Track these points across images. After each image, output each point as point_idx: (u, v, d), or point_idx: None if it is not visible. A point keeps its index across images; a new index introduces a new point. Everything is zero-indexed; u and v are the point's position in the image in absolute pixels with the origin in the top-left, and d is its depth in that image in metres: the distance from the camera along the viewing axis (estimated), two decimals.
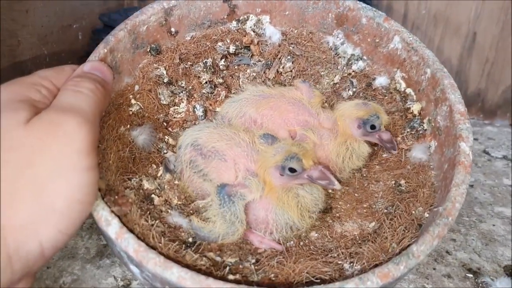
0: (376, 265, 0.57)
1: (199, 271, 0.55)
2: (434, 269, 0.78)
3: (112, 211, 0.55)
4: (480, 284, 0.76)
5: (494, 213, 0.92)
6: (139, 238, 0.55)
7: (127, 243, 0.52)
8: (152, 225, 0.59)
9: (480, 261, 0.81)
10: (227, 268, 0.58)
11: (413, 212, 0.63)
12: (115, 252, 0.60)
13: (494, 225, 0.89)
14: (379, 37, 0.76)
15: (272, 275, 0.58)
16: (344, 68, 0.79)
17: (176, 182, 0.71)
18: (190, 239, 0.63)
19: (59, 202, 0.48)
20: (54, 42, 0.91)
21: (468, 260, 0.81)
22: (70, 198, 0.49)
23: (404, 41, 0.73)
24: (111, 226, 0.53)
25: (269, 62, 0.81)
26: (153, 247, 0.55)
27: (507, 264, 0.81)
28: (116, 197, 0.59)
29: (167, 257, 0.55)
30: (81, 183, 0.50)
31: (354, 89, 0.79)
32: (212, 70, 0.79)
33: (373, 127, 0.70)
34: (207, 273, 0.55)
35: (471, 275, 0.78)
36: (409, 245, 0.57)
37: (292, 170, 0.62)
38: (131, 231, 0.56)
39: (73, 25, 0.94)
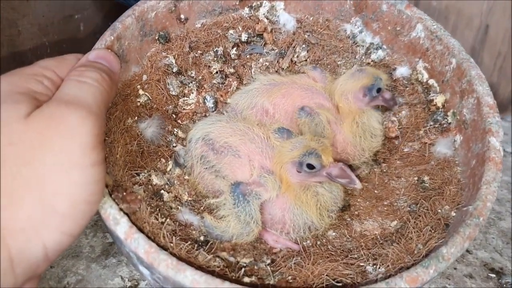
0: (401, 268, 0.53)
1: (212, 272, 0.52)
2: (455, 269, 0.75)
3: (121, 209, 0.52)
4: (504, 285, 0.73)
5: None
6: (149, 237, 0.51)
7: (137, 244, 0.49)
8: (162, 223, 0.56)
9: (502, 260, 0.77)
10: (242, 269, 0.54)
11: (439, 211, 0.59)
12: (123, 251, 0.56)
13: None
14: (401, 25, 0.72)
15: (290, 277, 0.55)
16: (363, 57, 0.76)
17: (186, 177, 0.67)
18: (202, 238, 0.60)
19: (62, 203, 0.44)
20: (55, 32, 0.87)
21: (490, 260, 0.77)
22: (74, 198, 0.45)
23: (428, 30, 0.69)
24: (120, 226, 0.50)
25: (283, 51, 0.77)
26: (164, 247, 0.52)
27: None
28: (125, 193, 0.55)
29: (179, 258, 0.51)
30: (86, 181, 0.46)
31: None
32: (223, 59, 0.75)
33: (379, 90, 0.67)
34: (221, 275, 0.52)
35: (493, 275, 0.75)
36: (436, 247, 0.53)
37: (310, 166, 0.58)
38: (141, 230, 0.52)
39: (74, 15, 0.90)
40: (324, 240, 0.63)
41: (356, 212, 0.66)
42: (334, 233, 0.64)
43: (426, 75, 0.71)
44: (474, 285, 0.72)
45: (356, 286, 0.51)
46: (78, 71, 0.53)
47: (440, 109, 0.69)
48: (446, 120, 0.68)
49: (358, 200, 0.68)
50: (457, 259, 0.74)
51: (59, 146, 0.45)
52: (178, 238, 0.55)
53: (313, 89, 0.69)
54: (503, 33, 1.03)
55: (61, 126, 0.45)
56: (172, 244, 0.53)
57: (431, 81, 0.71)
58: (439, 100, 0.69)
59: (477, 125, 0.62)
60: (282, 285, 0.54)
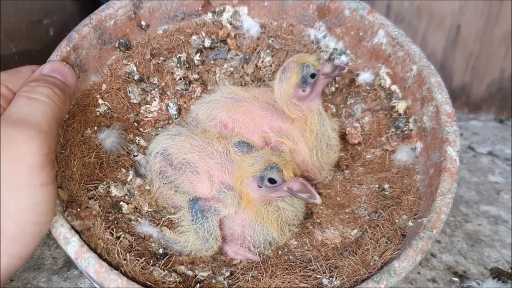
0: (356, 281, 0.53)
1: None
2: (419, 273, 0.75)
3: (73, 227, 0.51)
4: None
5: (480, 212, 0.89)
6: (101, 255, 0.51)
7: (88, 263, 0.48)
8: (118, 237, 0.56)
9: (466, 263, 0.78)
10: (197, 286, 0.54)
11: (397, 220, 0.60)
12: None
13: (480, 224, 0.86)
14: (363, 30, 0.71)
15: None
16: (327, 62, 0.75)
17: (147, 187, 0.66)
18: (161, 250, 0.60)
19: (9, 226, 0.44)
20: (22, 38, 0.85)
21: (454, 263, 0.78)
22: (22, 220, 0.45)
23: (389, 35, 0.69)
24: (70, 245, 0.50)
25: (247, 57, 0.76)
26: (118, 265, 0.51)
27: (494, 266, 0.78)
28: (79, 209, 0.55)
29: (132, 275, 0.51)
30: (34, 202, 0.46)
31: (337, 85, 0.74)
32: (187, 65, 0.74)
33: (313, 75, 0.64)
34: None
35: (456, 279, 0.75)
36: (391, 259, 0.54)
37: (272, 181, 0.58)
38: (94, 247, 0.52)
39: (43, 20, 0.88)
40: (285, 250, 0.63)
41: (318, 220, 0.66)
42: (296, 242, 0.64)
43: (389, 81, 0.71)
44: None
45: None
46: (29, 87, 0.52)
47: (402, 116, 0.69)
48: (407, 127, 0.68)
49: (321, 207, 0.68)
50: (421, 263, 0.76)
51: (5, 168, 0.44)
52: (133, 254, 0.55)
53: (273, 109, 0.68)
54: (474, 33, 1.03)
55: (8, 147, 0.45)
56: (126, 261, 0.52)
57: (394, 87, 0.70)
58: (400, 106, 0.69)
59: (436, 133, 0.62)
60: None
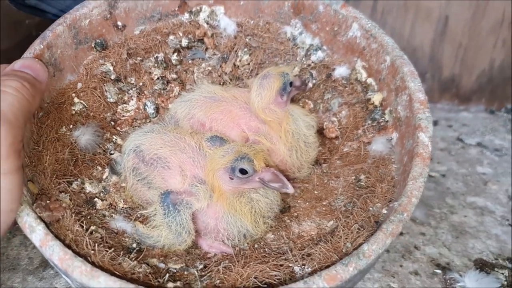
0: (327, 267, 0.52)
1: (136, 280, 0.51)
2: (401, 266, 0.74)
3: (40, 217, 0.51)
4: (448, 281, 0.72)
5: (466, 203, 0.88)
6: (70, 246, 0.51)
7: (52, 251, 0.48)
8: (88, 230, 0.55)
9: (450, 255, 0.77)
10: (167, 275, 0.53)
11: (370, 208, 0.59)
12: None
13: (465, 216, 0.85)
14: (338, 25, 0.72)
15: (218, 281, 0.54)
16: (303, 59, 0.75)
17: (123, 184, 0.66)
18: (135, 245, 0.59)
19: None
20: (4, 38, 0.86)
21: (437, 255, 0.77)
22: None
23: (363, 28, 0.69)
24: (35, 233, 0.49)
25: (225, 55, 0.77)
26: (85, 255, 0.51)
27: (478, 257, 0.77)
28: (48, 201, 0.55)
29: (100, 265, 0.51)
30: None
31: (314, 81, 0.75)
32: (164, 65, 0.75)
33: (291, 83, 0.66)
34: (144, 282, 0.51)
35: (439, 271, 0.74)
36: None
37: (243, 171, 0.57)
38: (63, 238, 0.52)
39: (25, 20, 0.89)
40: (262, 243, 0.62)
41: (296, 214, 0.66)
42: (272, 236, 0.63)
43: (364, 74, 0.71)
44: (419, 282, 0.71)
45: (278, 286, 0.50)
46: None
47: (378, 108, 0.69)
48: (383, 118, 0.68)
49: (298, 201, 0.68)
50: (403, 255, 0.75)
51: None
52: (104, 246, 0.54)
53: (251, 109, 0.68)
54: (463, 24, 1.03)
55: None
56: (94, 251, 0.52)
57: (370, 80, 0.70)
58: (376, 98, 0.69)
59: (409, 121, 0.62)
60: None
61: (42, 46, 0.62)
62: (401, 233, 0.81)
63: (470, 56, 1.06)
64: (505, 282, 0.73)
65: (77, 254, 0.49)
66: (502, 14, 1.01)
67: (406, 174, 0.57)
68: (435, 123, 1.11)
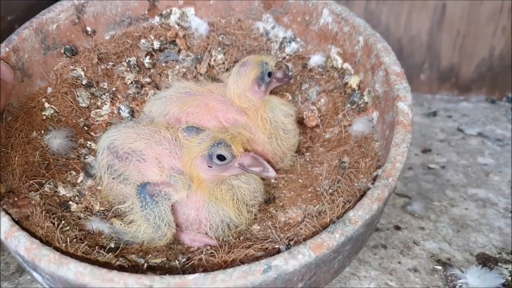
0: None
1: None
2: (399, 262, 0.70)
3: (5, 210, 0.48)
4: (449, 277, 0.68)
5: (467, 195, 0.84)
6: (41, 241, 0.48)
7: (18, 242, 0.45)
8: (58, 225, 0.52)
9: (451, 250, 0.73)
10: (145, 265, 0.50)
11: (356, 184, 0.57)
12: (19, 262, 0.52)
13: (467, 208, 0.81)
14: (309, 14, 0.71)
15: (201, 269, 0.51)
16: (278, 52, 0.75)
17: (99, 187, 0.63)
18: (112, 245, 0.56)
19: None
20: None
21: (437, 251, 0.73)
22: None
23: (334, 13, 0.69)
24: (0, 226, 0.46)
25: (199, 56, 0.76)
26: (56, 250, 0.48)
27: (480, 252, 0.73)
28: (16, 199, 0.52)
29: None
30: None
31: (291, 73, 0.73)
32: (137, 69, 0.73)
33: (270, 74, 0.65)
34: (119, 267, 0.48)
35: (439, 267, 0.70)
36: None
37: (221, 157, 0.55)
38: (33, 235, 0.49)
39: (7, 17, 0.86)
40: (248, 235, 0.59)
41: (281, 204, 0.63)
42: (258, 227, 0.60)
43: (340, 60, 0.70)
44: (418, 279, 0.67)
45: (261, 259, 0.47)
46: None
47: (355, 91, 0.68)
48: (362, 100, 0.67)
49: (283, 191, 0.65)
50: (402, 251, 0.71)
51: None
52: (76, 241, 0.51)
53: (228, 102, 0.67)
54: (460, 11, 1.01)
55: None
56: (65, 245, 0.49)
57: (345, 65, 0.70)
58: (353, 81, 0.68)
59: (387, 96, 0.61)
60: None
61: (7, 49, 0.61)
62: (399, 228, 0.77)
63: (469, 45, 1.04)
64: (509, 278, 0.69)
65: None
66: (501, 0, 1.00)
67: (389, 145, 0.55)
68: (434, 113, 1.08)
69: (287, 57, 0.74)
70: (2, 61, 0.59)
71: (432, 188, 0.86)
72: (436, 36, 1.03)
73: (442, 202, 0.83)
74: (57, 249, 0.47)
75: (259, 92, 0.65)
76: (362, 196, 0.54)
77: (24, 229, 0.48)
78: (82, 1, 0.69)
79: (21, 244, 0.45)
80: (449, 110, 1.09)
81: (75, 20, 0.69)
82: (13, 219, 0.48)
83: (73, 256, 0.47)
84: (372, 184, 0.55)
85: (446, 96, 1.12)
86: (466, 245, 0.74)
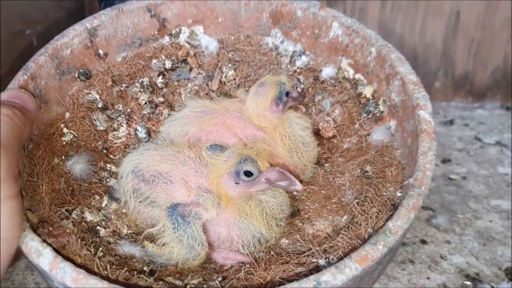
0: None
1: None
2: (428, 278, 0.71)
3: (45, 241, 0.48)
4: None
5: (490, 207, 0.84)
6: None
7: (64, 273, 0.45)
8: (95, 254, 0.52)
9: (478, 264, 0.73)
10: (188, 286, 0.50)
11: (384, 193, 0.58)
12: None
13: (491, 221, 0.81)
14: (318, 27, 0.72)
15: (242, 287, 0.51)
16: (288, 66, 0.76)
17: (124, 210, 0.63)
18: (145, 268, 0.56)
19: None
20: (4, 50, 0.81)
21: (465, 265, 0.73)
22: None
23: (344, 25, 0.70)
24: (43, 257, 0.46)
25: (210, 73, 0.76)
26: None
27: (508, 266, 0.73)
28: (51, 228, 0.52)
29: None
30: None
31: (302, 86, 0.75)
32: (151, 89, 0.74)
33: (287, 93, 0.66)
34: None
35: (469, 283, 0.70)
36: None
37: (248, 173, 0.56)
38: (73, 263, 0.48)
39: (25, 30, 0.85)
40: (278, 250, 0.60)
41: (307, 216, 0.64)
42: (287, 241, 0.61)
43: (351, 71, 0.71)
44: None
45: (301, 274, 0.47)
46: None
47: (370, 100, 0.69)
48: (378, 109, 0.68)
49: (307, 203, 0.66)
50: (430, 266, 0.72)
51: None
52: (115, 268, 0.51)
53: (245, 118, 0.68)
54: (475, 18, 1.01)
55: None
56: (106, 272, 0.49)
57: (358, 76, 0.71)
58: (367, 91, 0.69)
59: (406, 104, 0.62)
60: None
61: (26, 77, 0.61)
62: (425, 242, 0.77)
63: (484, 52, 1.04)
64: None
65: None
66: None
67: (414, 153, 0.57)
68: (451, 122, 1.07)
69: (298, 70, 0.75)
70: (23, 90, 0.58)
71: (455, 200, 0.86)
72: (451, 43, 1.04)
73: (466, 215, 0.83)
74: (101, 277, 0.47)
75: (277, 111, 0.66)
76: (392, 205, 0.56)
77: (65, 258, 0.48)
78: (95, 24, 0.69)
79: (67, 275, 0.44)
80: (465, 118, 1.09)
81: (88, 44, 0.69)
82: (54, 249, 0.47)
83: (118, 283, 0.47)
84: (401, 192, 0.57)
85: (461, 104, 1.12)
86: (493, 259, 0.74)
